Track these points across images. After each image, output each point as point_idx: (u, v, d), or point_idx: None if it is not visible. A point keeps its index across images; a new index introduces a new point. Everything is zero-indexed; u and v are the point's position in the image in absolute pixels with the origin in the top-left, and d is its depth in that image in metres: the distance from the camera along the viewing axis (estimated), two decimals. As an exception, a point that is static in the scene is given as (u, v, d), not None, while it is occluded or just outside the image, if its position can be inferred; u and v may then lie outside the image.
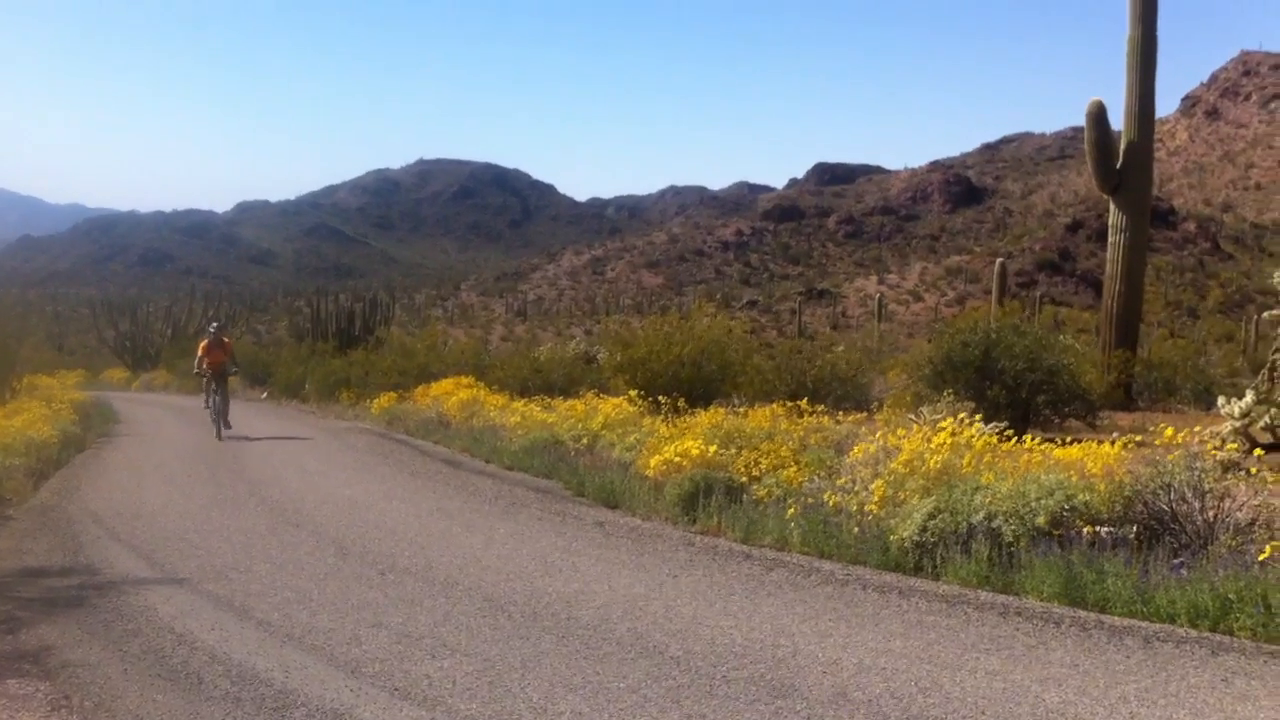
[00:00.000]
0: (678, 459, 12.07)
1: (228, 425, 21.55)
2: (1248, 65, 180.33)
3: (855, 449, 10.76)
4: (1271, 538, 7.86)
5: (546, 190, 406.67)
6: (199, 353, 22.70)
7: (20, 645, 6.76)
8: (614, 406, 16.33)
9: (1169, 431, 9.02)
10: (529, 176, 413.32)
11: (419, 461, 17.47)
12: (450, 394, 22.92)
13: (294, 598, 8.00)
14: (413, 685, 5.91)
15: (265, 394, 38.91)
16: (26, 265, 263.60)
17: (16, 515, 12.06)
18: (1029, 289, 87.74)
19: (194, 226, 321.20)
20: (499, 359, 32.78)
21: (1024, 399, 16.06)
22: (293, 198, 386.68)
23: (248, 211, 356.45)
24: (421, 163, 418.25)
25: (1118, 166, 23.10)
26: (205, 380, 22.41)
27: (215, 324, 24.23)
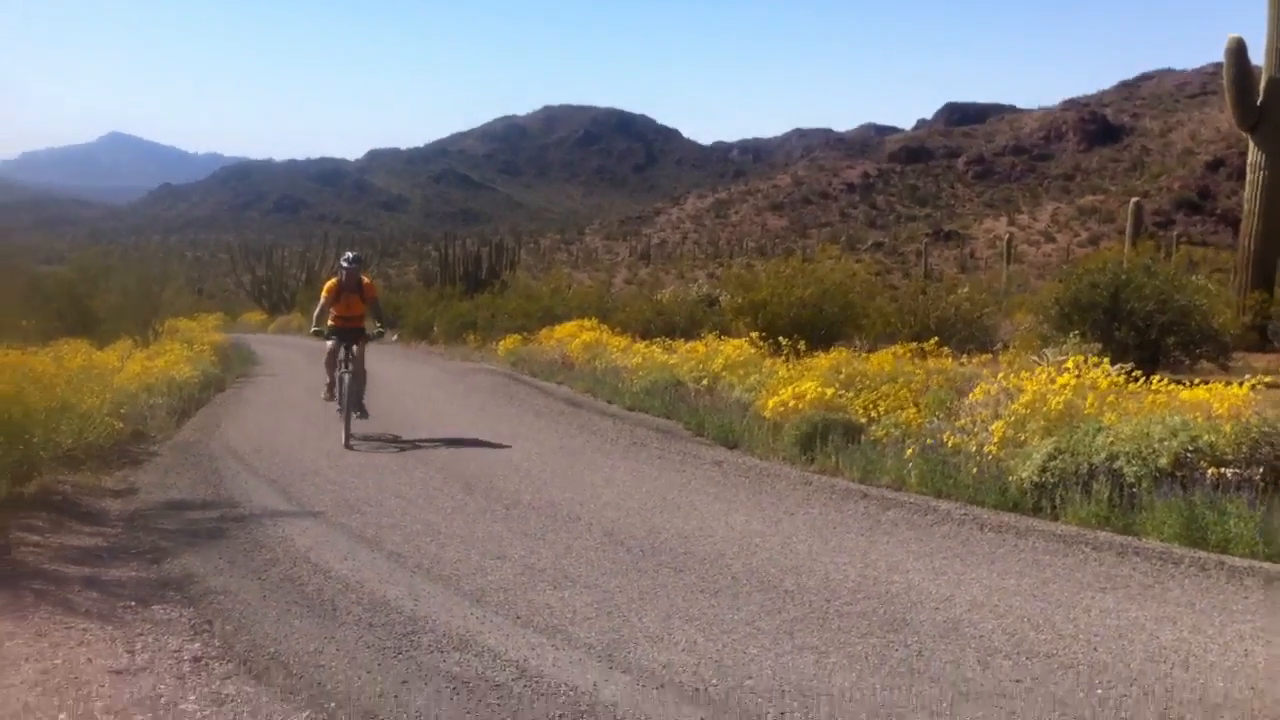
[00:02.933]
0: (795, 401, 12.13)
1: (362, 413, 13.90)
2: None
3: (976, 390, 10.72)
4: (1405, 481, 7.68)
5: (671, 134, 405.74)
6: (322, 298, 14.28)
7: (164, 574, 7.13)
8: (735, 348, 16.39)
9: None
10: (653, 121, 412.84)
11: (542, 401, 17.78)
12: (573, 336, 23.19)
13: (423, 530, 8.30)
14: (534, 614, 6.13)
15: (395, 336, 39.80)
16: (168, 212, 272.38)
17: (160, 451, 12.61)
18: (1166, 229, 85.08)
19: (326, 174, 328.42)
20: (621, 302, 33.09)
21: (1153, 340, 15.76)
22: (421, 145, 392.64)
23: (378, 159, 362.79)
24: (547, 109, 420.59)
25: (1258, 103, 22.36)
26: (331, 346, 14.16)
27: (351, 255, 14.78)
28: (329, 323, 14.15)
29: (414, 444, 13.02)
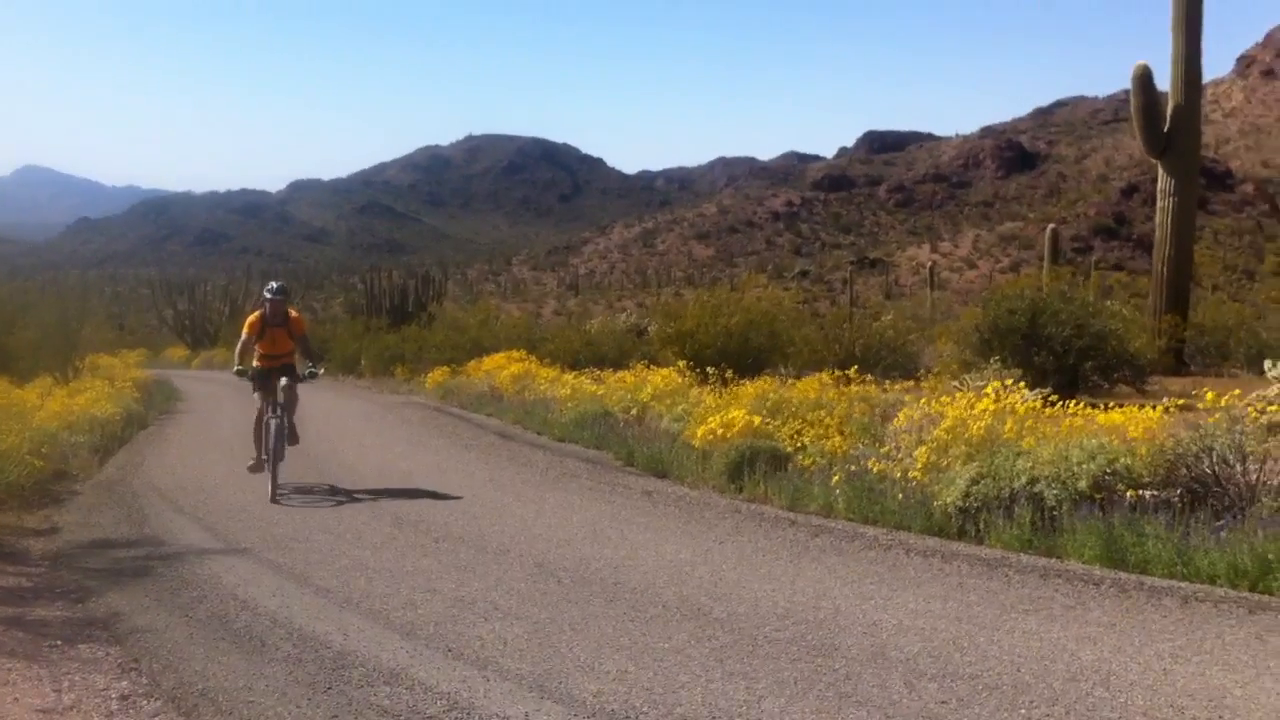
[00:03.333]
0: (723, 429, 12.24)
1: (273, 455, 12.03)
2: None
3: (899, 416, 10.89)
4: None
5: (595, 164, 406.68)
6: (244, 334, 12.64)
7: (90, 613, 7.05)
8: (663, 378, 16.51)
9: (1210, 395, 9.05)
10: (577, 150, 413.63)
11: (472, 434, 17.76)
12: (502, 368, 23.18)
13: (352, 565, 8.26)
14: (465, 646, 6.13)
15: (322, 370, 39.44)
16: (85, 247, 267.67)
17: (83, 490, 12.44)
18: (1085, 254, 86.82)
19: (248, 206, 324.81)
20: (550, 333, 33.09)
21: (1071, 365, 16.11)
22: (344, 176, 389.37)
23: (301, 190, 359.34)
24: (471, 139, 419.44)
25: (1165, 130, 22.93)
26: (259, 408, 12.65)
27: (275, 285, 13.10)
28: (254, 362, 12.59)
29: (342, 481, 12.93)
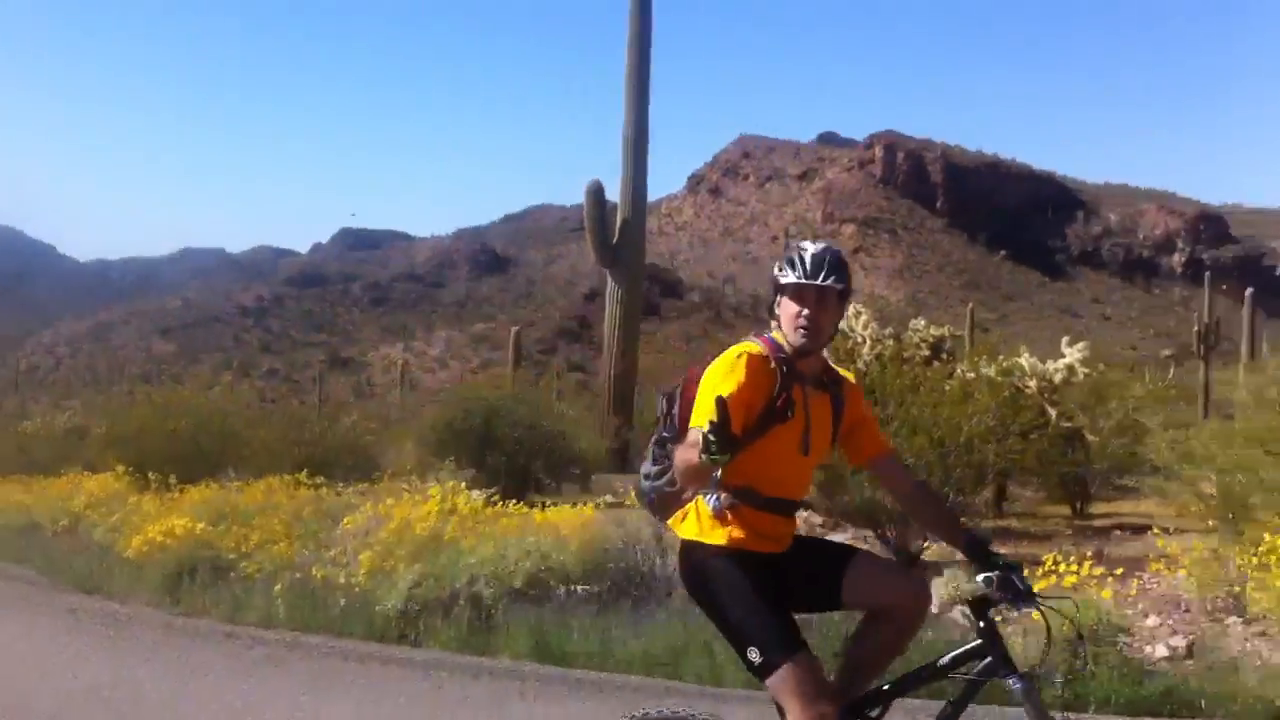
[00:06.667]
0: (164, 538, 11.57)
1: None
2: (746, 148, 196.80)
3: (347, 519, 10.78)
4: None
5: (45, 250, 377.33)
6: None
7: None
8: (100, 484, 15.43)
9: (635, 493, 9.66)
10: (24, 235, 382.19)
11: None
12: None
13: None
14: None
15: None
16: None
17: None
18: (550, 355, 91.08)
19: None
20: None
21: (523, 465, 16.66)
22: None
23: None
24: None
25: (614, 242, 24.56)
26: None
27: None
28: None
29: None
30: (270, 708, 6.94)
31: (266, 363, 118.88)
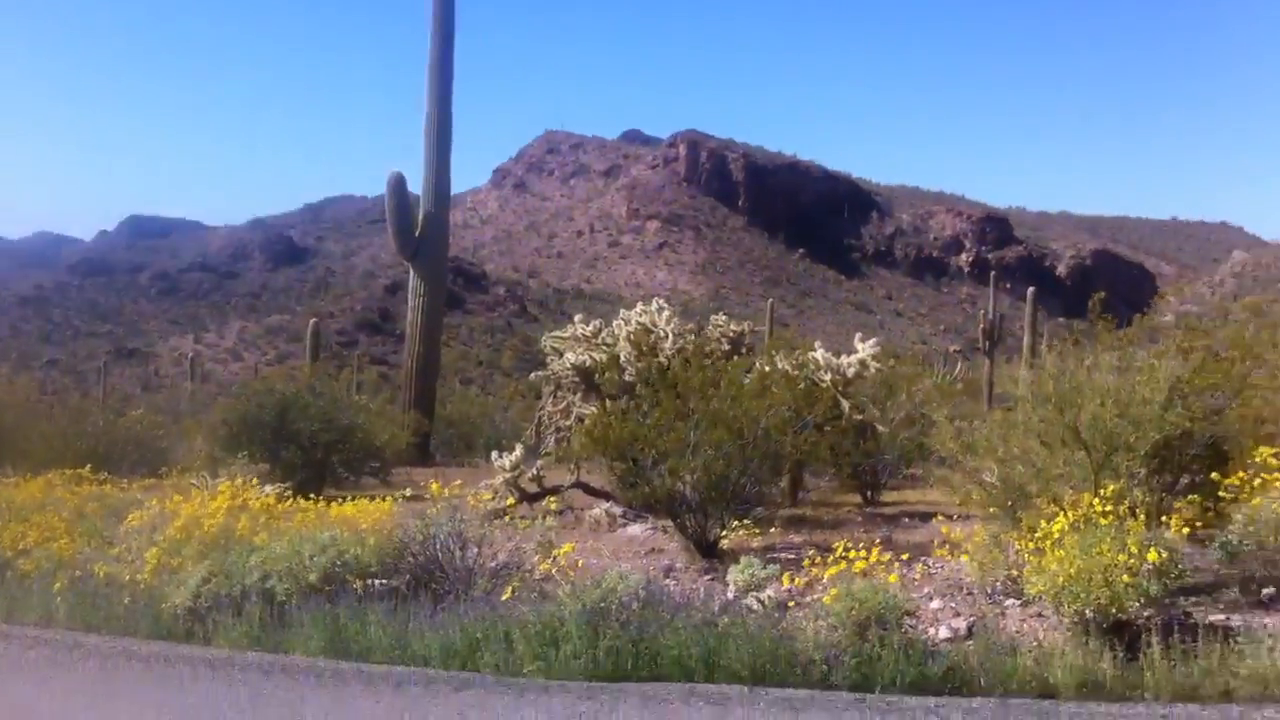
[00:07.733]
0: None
1: None
2: (551, 143, 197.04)
3: (132, 516, 10.38)
4: (520, 579, 8.62)
5: None
6: None
7: None
8: None
9: (435, 486, 9.59)
10: None
11: None
12: None
13: None
14: None
15: None
16: None
17: None
18: (350, 348, 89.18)
19: None
20: None
21: (320, 459, 16.32)
22: None
23: None
24: None
25: (416, 234, 24.30)
26: None
27: None
28: None
29: None
30: (54, 710, 6.67)
31: (47, 353, 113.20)
